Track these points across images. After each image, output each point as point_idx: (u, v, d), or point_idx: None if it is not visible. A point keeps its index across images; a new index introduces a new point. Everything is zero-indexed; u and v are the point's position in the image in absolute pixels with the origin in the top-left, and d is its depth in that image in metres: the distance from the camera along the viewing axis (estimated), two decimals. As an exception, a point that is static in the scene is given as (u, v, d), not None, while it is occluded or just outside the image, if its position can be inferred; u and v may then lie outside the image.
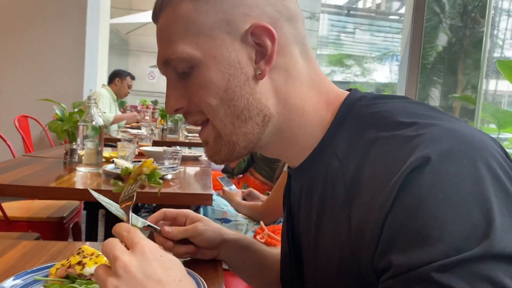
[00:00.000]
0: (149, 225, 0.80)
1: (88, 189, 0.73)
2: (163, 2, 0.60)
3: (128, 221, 0.59)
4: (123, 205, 0.62)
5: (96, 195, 0.75)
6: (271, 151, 0.65)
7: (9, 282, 0.65)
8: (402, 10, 7.06)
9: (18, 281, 0.66)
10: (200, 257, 0.85)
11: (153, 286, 0.47)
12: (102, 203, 0.77)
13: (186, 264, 0.76)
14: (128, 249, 0.50)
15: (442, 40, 5.05)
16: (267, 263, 0.84)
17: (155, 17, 0.62)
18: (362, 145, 0.53)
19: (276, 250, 0.87)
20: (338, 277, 0.54)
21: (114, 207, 0.77)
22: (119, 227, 0.54)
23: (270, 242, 1.53)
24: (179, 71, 0.59)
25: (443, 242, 0.41)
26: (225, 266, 0.86)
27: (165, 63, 0.61)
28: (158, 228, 0.81)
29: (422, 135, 0.48)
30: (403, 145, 0.48)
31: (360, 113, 0.58)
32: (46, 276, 0.69)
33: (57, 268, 0.68)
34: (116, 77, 4.40)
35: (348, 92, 0.62)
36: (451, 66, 5.11)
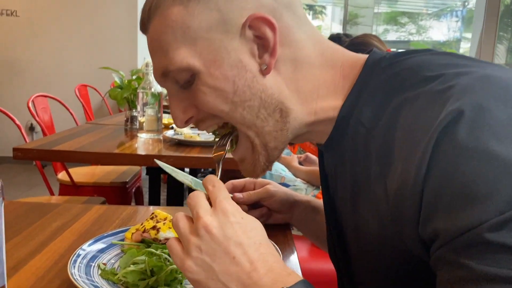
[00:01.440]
0: None
1: (155, 160, 0.73)
2: (151, 11, 0.56)
3: (217, 175, 0.57)
4: (215, 155, 0.59)
5: (161, 164, 0.75)
6: (300, 139, 0.62)
7: (88, 245, 0.67)
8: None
9: (96, 245, 0.68)
10: (273, 221, 0.84)
11: (233, 248, 0.46)
12: (169, 171, 0.77)
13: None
14: (211, 206, 0.50)
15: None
16: None
17: (144, 28, 0.58)
18: (389, 111, 0.49)
19: None
20: (381, 253, 0.51)
21: (180, 175, 0.77)
22: (207, 179, 0.52)
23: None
24: (180, 81, 0.56)
25: (492, 198, 0.37)
26: (293, 232, 0.85)
27: (163, 75, 0.57)
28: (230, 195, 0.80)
29: (451, 87, 0.44)
30: (432, 102, 0.45)
31: (381, 77, 0.54)
32: (122, 240, 0.70)
33: (132, 233, 0.69)
34: None
35: (365, 57, 0.58)
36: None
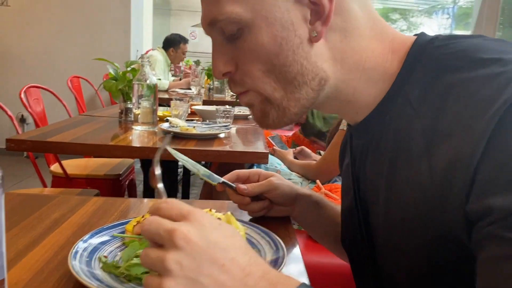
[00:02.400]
0: (224, 182, 0.80)
1: (167, 147, 0.72)
2: None
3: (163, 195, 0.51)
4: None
5: (173, 152, 0.75)
6: (328, 109, 0.62)
7: (88, 237, 0.66)
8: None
9: (97, 237, 0.67)
10: (274, 214, 0.84)
11: (219, 254, 0.41)
12: (179, 159, 0.77)
13: (259, 223, 0.75)
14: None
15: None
16: (338, 220, 0.82)
17: None
18: (440, 89, 0.49)
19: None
20: (413, 234, 0.51)
21: (190, 163, 0.76)
22: (154, 204, 0.46)
23: (328, 201, 1.51)
24: (227, 33, 0.55)
25: None
26: (294, 226, 0.85)
27: (211, 24, 0.56)
28: (234, 185, 0.80)
29: (510, 71, 0.44)
30: (491, 82, 0.44)
31: (433, 56, 0.52)
32: (122, 232, 0.69)
33: (133, 225, 0.68)
34: (170, 47, 4.37)
35: (413, 38, 0.57)
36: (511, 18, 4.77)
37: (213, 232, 0.43)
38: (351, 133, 0.67)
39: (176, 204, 0.45)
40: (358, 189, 0.64)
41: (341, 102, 0.58)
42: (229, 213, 0.68)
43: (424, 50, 0.54)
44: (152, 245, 0.43)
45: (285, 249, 0.64)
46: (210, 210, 0.71)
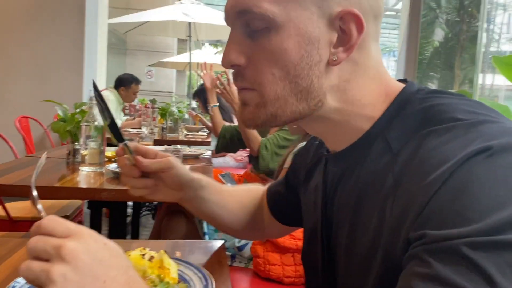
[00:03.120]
0: (126, 146, 0.77)
1: (92, 79, 0.73)
2: None
3: None
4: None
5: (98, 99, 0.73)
6: (313, 130, 0.65)
7: (20, 280, 0.67)
8: (398, 6, 7.07)
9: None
10: (161, 197, 0.84)
11: (102, 271, 0.44)
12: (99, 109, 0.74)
13: (191, 261, 0.79)
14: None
15: (438, 35, 5.07)
16: (228, 206, 0.89)
17: None
18: (417, 137, 0.53)
19: (235, 191, 0.94)
20: (372, 261, 0.54)
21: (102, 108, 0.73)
22: (37, 223, 0.48)
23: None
24: (252, 27, 0.56)
25: (480, 222, 0.42)
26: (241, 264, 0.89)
27: (240, 13, 0.56)
28: (133, 154, 0.77)
29: (481, 130, 0.48)
30: (461, 135, 0.48)
31: (417, 105, 0.57)
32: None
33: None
34: (121, 86, 4.36)
35: (403, 84, 0.62)
36: (448, 61, 5.13)
37: (99, 250, 0.45)
38: (326, 160, 0.70)
39: (62, 221, 0.47)
40: (325, 213, 0.68)
41: (326, 127, 0.62)
42: (162, 251, 0.71)
43: (409, 99, 0.58)
44: (34, 260, 0.45)
45: (214, 284, 0.68)
46: (144, 248, 0.73)
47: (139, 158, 0.77)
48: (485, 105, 0.56)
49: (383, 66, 0.62)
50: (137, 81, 4.42)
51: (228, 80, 2.34)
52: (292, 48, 0.54)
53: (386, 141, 0.57)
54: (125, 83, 4.35)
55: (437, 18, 5.01)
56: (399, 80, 0.64)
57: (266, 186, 0.98)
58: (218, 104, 2.86)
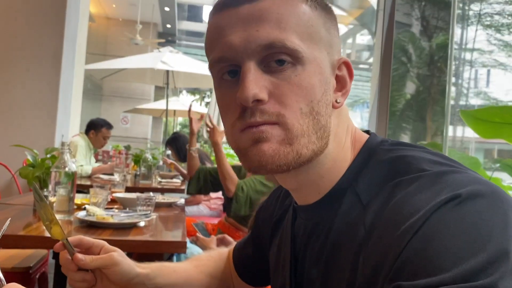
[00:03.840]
0: (66, 243, 0.75)
1: (34, 183, 0.72)
2: None
3: None
4: None
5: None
6: (290, 183, 0.63)
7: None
8: (371, 60, 7.35)
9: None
10: None
11: None
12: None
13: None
14: None
15: (410, 88, 5.26)
16: None
17: None
18: (385, 189, 0.53)
19: (189, 264, 0.89)
20: None
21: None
22: None
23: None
24: (274, 62, 0.54)
25: (452, 270, 0.42)
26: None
27: (267, 47, 0.54)
28: (73, 250, 0.75)
29: (448, 180, 0.49)
30: (430, 186, 0.49)
31: (382, 157, 0.58)
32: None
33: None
34: (91, 129, 4.29)
35: (366, 135, 0.64)
36: (419, 113, 5.30)
37: None
38: (294, 213, 0.68)
39: None
40: (295, 268, 0.66)
41: (315, 173, 0.60)
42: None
43: (374, 151, 0.60)
44: None
45: None
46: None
47: (78, 256, 0.74)
48: (447, 156, 0.57)
49: (348, 114, 0.65)
50: (108, 126, 4.35)
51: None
52: (317, 85, 0.56)
53: (356, 193, 0.57)
54: (95, 127, 4.28)
55: (408, 72, 5.21)
56: (364, 131, 0.66)
57: (231, 248, 0.94)
58: (197, 147, 2.87)
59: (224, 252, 0.95)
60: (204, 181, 2.76)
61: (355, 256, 0.53)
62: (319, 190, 0.61)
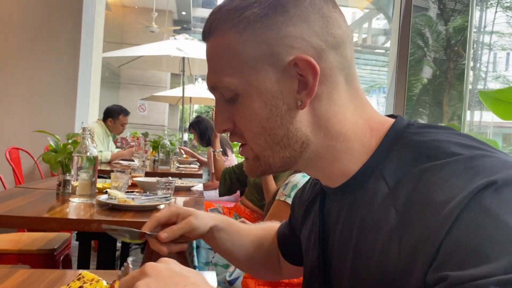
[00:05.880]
0: (145, 233, 0.79)
1: (102, 225, 0.75)
2: (212, 28, 0.62)
3: None
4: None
5: (107, 227, 0.76)
6: (309, 170, 0.67)
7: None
8: (387, 44, 7.26)
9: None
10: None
11: (184, 280, 0.48)
12: (116, 236, 0.78)
13: None
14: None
15: (426, 72, 5.20)
16: (244, 243, 0.90)
17: (204, 37, 0.65)
18: (414, 172, 0.53)
19: (257, 231, 0.94)
20: None
21: (117, 234, 0.77)
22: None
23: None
24: (226, 97, 0.62)
25: (501, 259, 0.42)
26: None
27: (212, 88, 0.64)
28: (154, 234, 0.80)
29: (480, 164, 0.50)
30: (462, 171, 0.50)
31: (409, 140, 0.58)
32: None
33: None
34: (109, 117, 4.34)
35: (393, 119, 0.63)
36: (436, 98, 5.24)
37: (176, 266, 0.50)
38: (322, 196, 0.71)
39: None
40: (325, 249, 0.68)
41: (321, 165, 0.64)
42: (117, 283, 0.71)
43: (401, 133, 0.60)
44: None
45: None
46: None
47: (161, 235, 0.78)
48: (475, 138, 0.57)
49: (363, 99, 0.64)
50: (125, 112, 4.39)
51: None
52: (259, 107, 0.60)
53: (382, 176, 0.57)
54: (112, 115, 4.33)
55: (425, 56, 5.15)
56: (389, 115, 0.65)
57: (278, 226, 0.97)
58: (221, 150, 2.92)
59: (275, 227, 0.98)
60: (230, 181, 2.81)
61: (387, 240, 0.53)
62: (343, 174, 0.63)
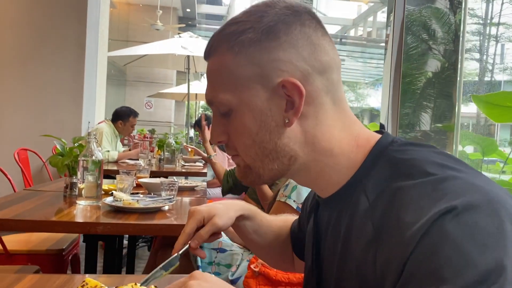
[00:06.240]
0: (180, 254, 0.82)
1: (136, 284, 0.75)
2: (212, 48, 0.68)
3: None
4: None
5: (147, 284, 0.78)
6: (299, 181, 0.73)
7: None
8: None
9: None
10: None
11: (226, 286, 0.59)
12: (160, 278, 0.80)
13: None
14: None
15: (431, 66, 5.18)
16: (267, 235, 0.95)
17: (205, 56, 0.71)
18: (391, 189, 0.58)
19: (277, 222, 0.99)
20: None
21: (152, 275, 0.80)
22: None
23: (264, 271, 1.57)
24: (221, 111, 0.68)
25: (456, 283, 0.45)
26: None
27: (209, 103, 0.70)
28: (186, 247, 0.83)
29: (446, 187, 0.53)
30: (430, 193, 0.53)
31: (391, 157, 0.63)
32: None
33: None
34: (119, 120, 4.38)
35: (379, 135, 0.68)
36: (444, 91, 5.21)
37: (218, 280, 0.60)
38: (318, 203, 0.76)
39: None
40: (317, 254, 0.74)
41: (310, 177, 0.69)
42: (152, 286, 0.75)
43: (384, 150, 0.64)
44: None
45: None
46: (136, 284, 0.76)
47: (192, 245, 0.83)
48: (454, 157, 0.61)
49: (351, 118, 0.69)
50: (134, 114, 4.44)
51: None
52: (249, 122, 0.66)
53: (364, 190, 0.62)
54: (123, 117, 4.38)
55: (430, 50, 5.12)
56: (378, 131, 0.70)
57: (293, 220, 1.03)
58: (215, 154, 2.96)
59: (291, 219, 1.03)
60: (233, 183, 2.85)
61: (364, 251, 0.58)
62: (332, 186, 0.68)
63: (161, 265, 0.80)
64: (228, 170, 2.89)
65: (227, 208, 0.88)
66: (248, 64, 0.64)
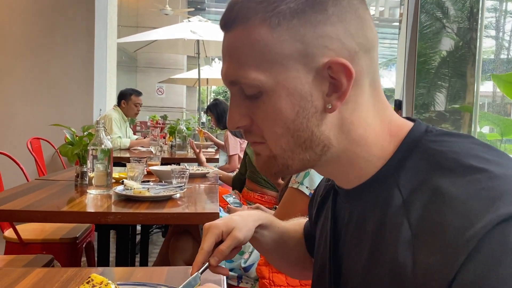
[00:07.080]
0: (201, 273, 0.76)
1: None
2: (238, 16, 0.57)
3: None
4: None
5: None
6: (324, 172, 0.67)
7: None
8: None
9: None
10: None
11: None
12: None
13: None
14: None
15: (445, 44, 5.05)
16: (283, 240, 0.87)
17: (224, 26, 0.60)
18: (429, 185, 0.52)
19: (291, 227, 0.92)
20: None
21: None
22: None
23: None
24: (247, 93, 0.58)
25: None
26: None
27: (232, 83, 0.60)
28: (206, 265, 0.77)
29: (500, 186, 0.48)
30: (480, 193, 0.48)
31: (426, 149, 0.56)
32: (58, 304, 0.73)
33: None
34: (122, 99, 4.38)
35: (411, 123, 0.61)
36: (458, 70, 5.10)
37: None
38: (335, 192, 0.70)
39: None
40: (335, 250, 0.67)
41: (338, 169, 0.62)
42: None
43: (419, 141, 0.58)
44: None
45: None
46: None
47: (212, 263, 0.75)
48: (495, 148, 0.55)
49: (384, 102, 0.62)
50: (137, 92, 4.40)
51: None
52: (286, 107, 0.57)
53: (397, 185, 0.56)
54: (124, 96, 4.36)
55: (443, 28, 4.99)
56: (407, 118, 0.63)
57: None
58: (214, 169, 2.95)
59: (304, 222, 0.98)
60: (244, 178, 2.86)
61: (399, 251, 0.52)
62: (358, 177, 0.61)
63: (180, 286, 0.74)
64: (233, 175, 2.92)
65: (245, 220, 0.80)
66: (289, 39, 0.55)
